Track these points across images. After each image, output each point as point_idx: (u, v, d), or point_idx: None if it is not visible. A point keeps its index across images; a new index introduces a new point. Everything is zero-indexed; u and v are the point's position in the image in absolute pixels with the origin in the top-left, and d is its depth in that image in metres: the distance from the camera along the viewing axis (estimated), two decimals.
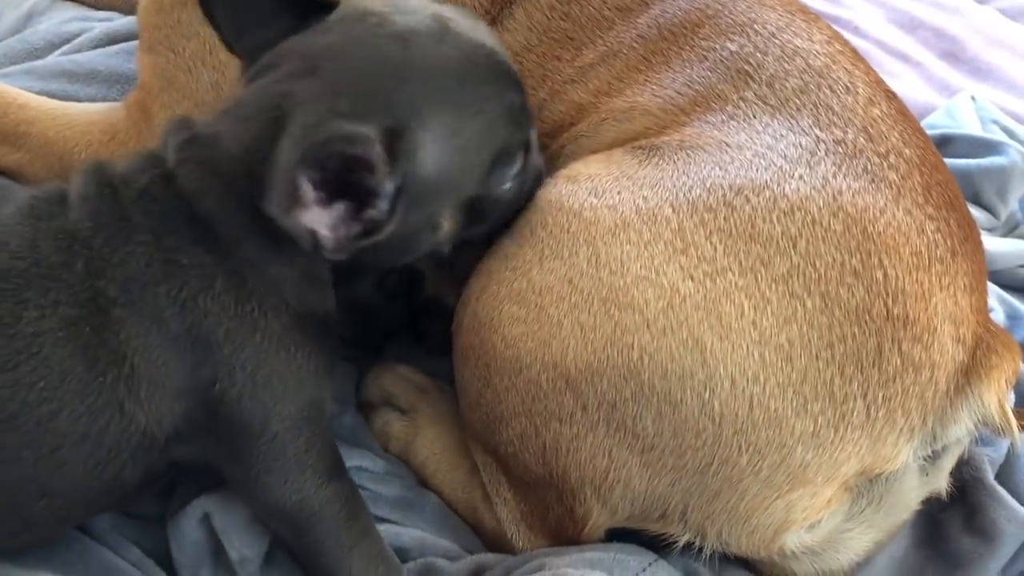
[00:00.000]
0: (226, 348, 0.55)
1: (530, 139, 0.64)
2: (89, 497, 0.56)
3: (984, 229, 1.04)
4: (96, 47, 0.89)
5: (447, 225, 0.60)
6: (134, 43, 0.88)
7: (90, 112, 0.78)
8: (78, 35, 0.90)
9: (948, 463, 0.65)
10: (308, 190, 0.50)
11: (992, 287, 0.97)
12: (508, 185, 0.61)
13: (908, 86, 1.22)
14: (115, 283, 0.54)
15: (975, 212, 1.05)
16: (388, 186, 0.52)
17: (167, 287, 0.54)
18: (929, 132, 1.09)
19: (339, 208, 0.52)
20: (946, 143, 1.09)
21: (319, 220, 0.51)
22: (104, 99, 0.82)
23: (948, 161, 1.05)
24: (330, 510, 0.59)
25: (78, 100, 0.81)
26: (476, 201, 0.60)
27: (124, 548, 0.62)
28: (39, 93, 0.80)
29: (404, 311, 0.78)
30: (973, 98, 1.18)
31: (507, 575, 0.62)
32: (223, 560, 0.61)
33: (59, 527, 0.59)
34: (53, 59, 0.86)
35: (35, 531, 0.57)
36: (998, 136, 1.11)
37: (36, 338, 0.52)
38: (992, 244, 1.01)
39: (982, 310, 0.64)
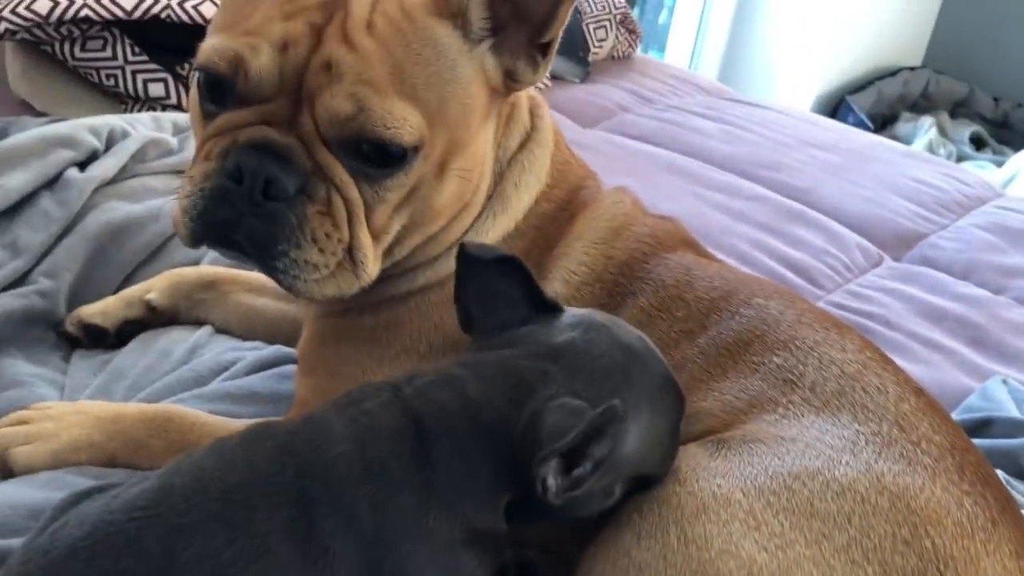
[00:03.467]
0: (403, 548, 0.64)
1: None
2: None
3: None
4: (250, 372, 1.05)
5: (617, 493, 0.73)
6: (284, 367, 1.07)
7: None
8: (235, 363, 1.07)
9: None
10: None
11: None
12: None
13: (942, 372, 1.35)
14: (319, 484, 0.64)
15: (1022, 487, 1.14)
16: (598, 450, 0.65)
17: (365, 490, 0.64)
18: (969, 415, 1.22)
19: (556, 462, 0.65)
20: (987, 425, 1.20)
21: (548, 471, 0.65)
22: (263, 415, 0.95)
23: (991, 442, 1.17)
24: None
25: (241, 418, 0.96)
26: (647, 478, 0.74)
27: None
28: (209, 413, 0.97)
29: None
30: (1004, 381, 1.30)
31: None
32: None
33: None
34: (217, 384, 1.02)
35: None
36: None
37: (266, 537, 0.61)
38: None
39: None
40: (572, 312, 0.78)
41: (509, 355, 0.72)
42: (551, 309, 0.77)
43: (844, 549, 0.67)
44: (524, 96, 0.98)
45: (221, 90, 0.81)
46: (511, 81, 0.88)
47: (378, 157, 0.80)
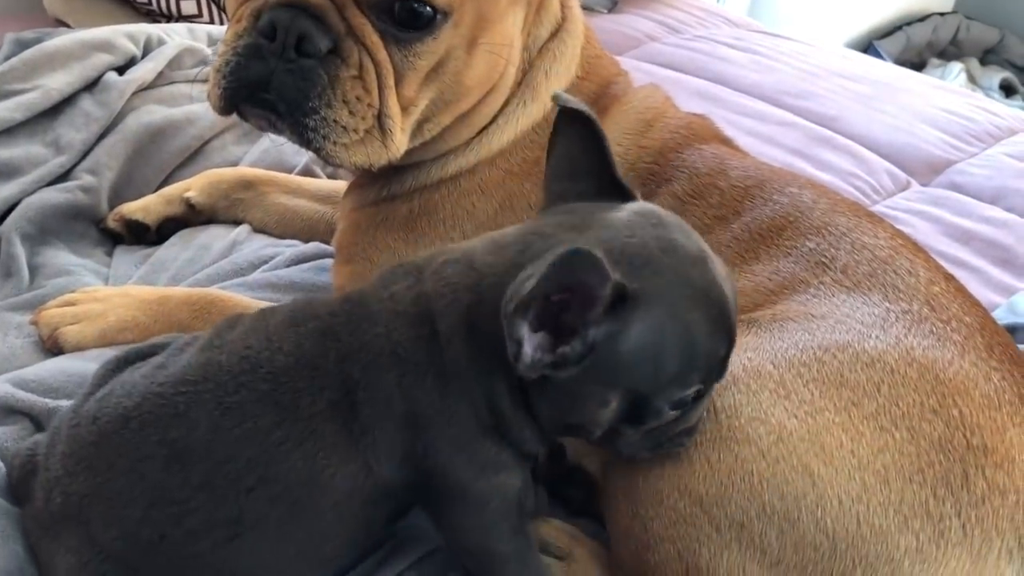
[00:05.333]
0: (431, 431, 0.64)
1: (704, 394, 0.67)
2: (356, 538, 0.68)
3: None
4: (289, 265, 1.08)
5: (612, 406, 0.63)
6: (319, 261, 1.09)
7: None
8: (273, 257, 1.10)
9: None
10: (535, 307, 0.57)
11: None
12: (669, 410, 0.65)
13: (969, 289, 1.34)
14: (358, 366, 0.64)
15: None
16: (593, 332, 0.59)
17: (394, 374, 0.64)
18: None
19: (543, 336, 0.59)
20: (1012, 332, 1.20)
21: (528, 337, 0.58)
22: None
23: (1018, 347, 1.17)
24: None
25: None
26: (641, 401, 0.64)
27: None
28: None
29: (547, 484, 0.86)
30: None
31: None
32: None
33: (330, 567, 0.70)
34: (258, 275, 1.05)
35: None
36: None
37: (313, 419, 0.63)
38: None
39: None
40: (641, 202, 0.68)
41: (534, 222, 0.67)
42: (621, 192, 0.68)
43: (873, 416, 0.69)
44: None
45: None
46: None
47: (409, 18, 0.81)
